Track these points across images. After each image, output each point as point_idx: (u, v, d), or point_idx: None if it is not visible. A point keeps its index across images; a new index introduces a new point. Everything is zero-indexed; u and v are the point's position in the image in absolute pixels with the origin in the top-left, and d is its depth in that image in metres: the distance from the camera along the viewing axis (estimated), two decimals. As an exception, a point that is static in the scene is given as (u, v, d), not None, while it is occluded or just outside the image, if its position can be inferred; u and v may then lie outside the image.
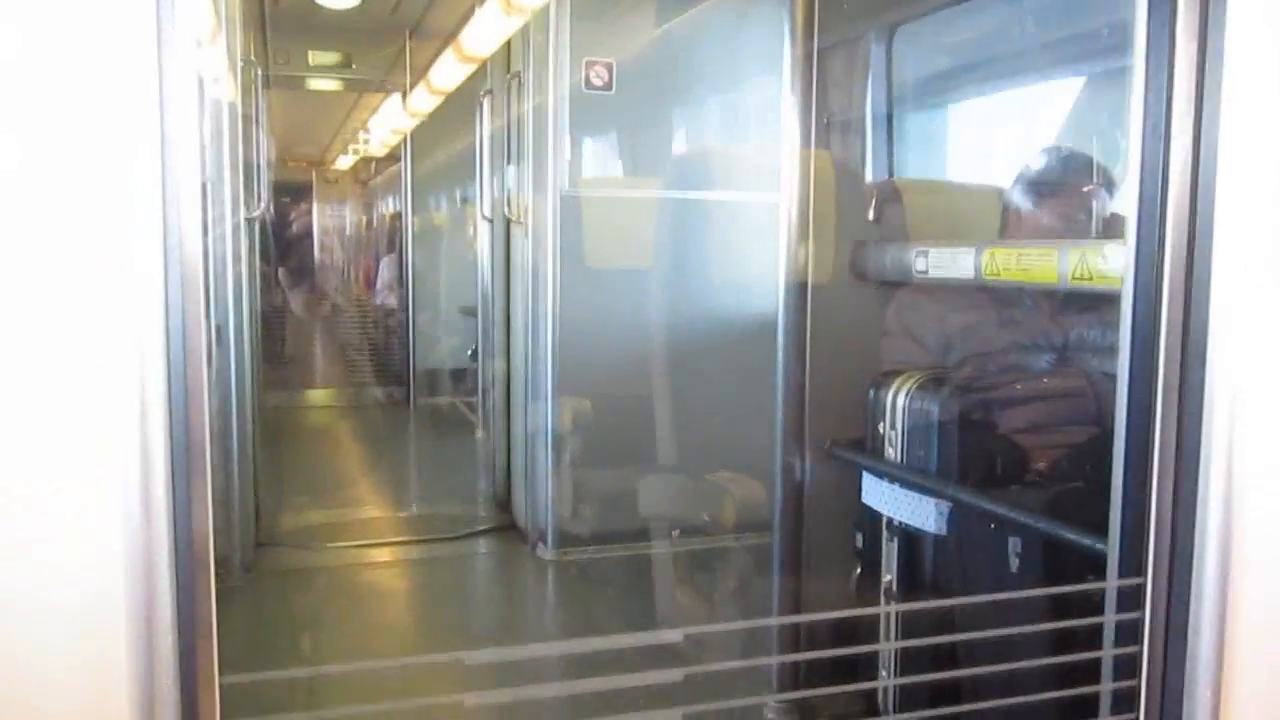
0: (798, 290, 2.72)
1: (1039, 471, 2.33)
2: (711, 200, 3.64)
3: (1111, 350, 2.58)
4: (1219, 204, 1.27)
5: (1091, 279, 2.18)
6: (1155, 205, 1.32)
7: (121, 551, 0.91)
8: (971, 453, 2.39)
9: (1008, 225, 2.76)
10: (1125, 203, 2.73)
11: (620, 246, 3.74)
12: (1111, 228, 2.61)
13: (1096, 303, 2.51)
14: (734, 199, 3.64)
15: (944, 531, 2.41)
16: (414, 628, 3.47)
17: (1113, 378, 2.51)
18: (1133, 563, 1.41)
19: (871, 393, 2.63)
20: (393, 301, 6.65)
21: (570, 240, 3.75)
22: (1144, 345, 1.35)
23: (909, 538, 2.53)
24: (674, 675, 1.14)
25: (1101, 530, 1.99)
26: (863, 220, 2.78)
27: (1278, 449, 1.30)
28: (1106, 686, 1.42)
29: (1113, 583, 1.39)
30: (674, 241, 3.58)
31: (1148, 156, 1.34)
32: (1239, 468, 1.28)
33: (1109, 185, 2.74)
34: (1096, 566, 2.09)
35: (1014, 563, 2.22)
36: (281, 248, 7.19)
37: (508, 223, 4.37)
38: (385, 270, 6.77)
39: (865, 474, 2.67)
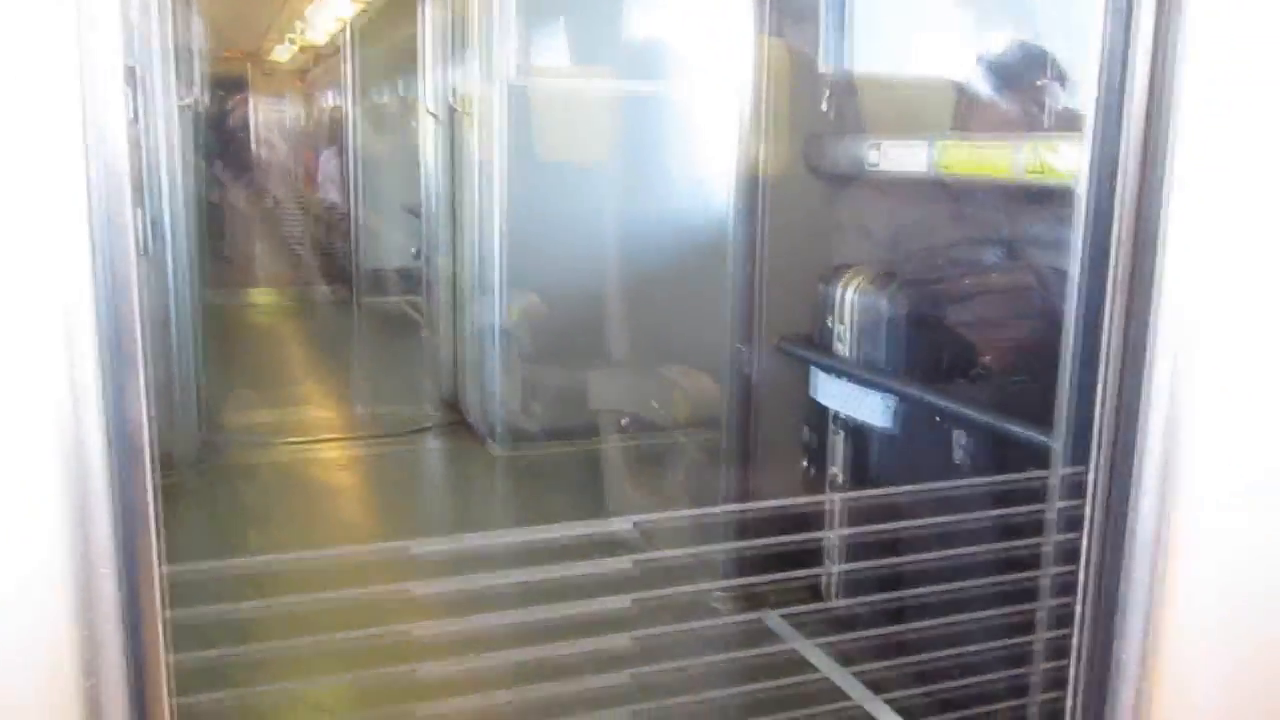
0: (750, 184, 2.69)
1: (985, 366, 2.35)
2: (665, 92, 3.56)
3: (1060, 246, 2.60)
4: (1178, 101, 1.25)
5: (1044, 173, 2.17)
6: (1116, 98, 1.30)
7: (54, 440, 0.88)
8: (919, 348, 2.40)
9: (960, 118, 2.73)
10: (1080, 97, 2.71)
11: (571, 140, 3.66)
12: (1065, 123, 2.59)
13: (1046, 198, 2.50)
14: (688, 91, 3.56)
15: (891, 426, 2.44)
16: (364, 523, 3.47)
17: (1061, 273, 2.54)
18: (1079, 454, 1.42)
19: (822, 288, 2.63)
20: (335, 197, 6.49)
21: (519, 133, 3.67)
22: (1098, 239, 1.35)
23: (856, 432, 2.55)
24: (623, 564, 1.14)
25: (1046, 425, 2.03)
26: (817, 112, 2.73)
27: (1224, 347, 1.31)
28: (1048, 571, 1.45)
29: (1058, 472, 1.40)
30: (627, 135, 3.52)
31: (1109, 48, 1.31)
32: (1184, 364, 1.29)
33: (1062, 79, 2.71)
34: (1039, 460, 2.13)
35: (958, 456, 2.26)
36: (219, 142, 6.97)
37: (453, 116, 4.26)
38: (326, 164, 6.59)
39: (814, 369, 2.68)
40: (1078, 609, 1.39)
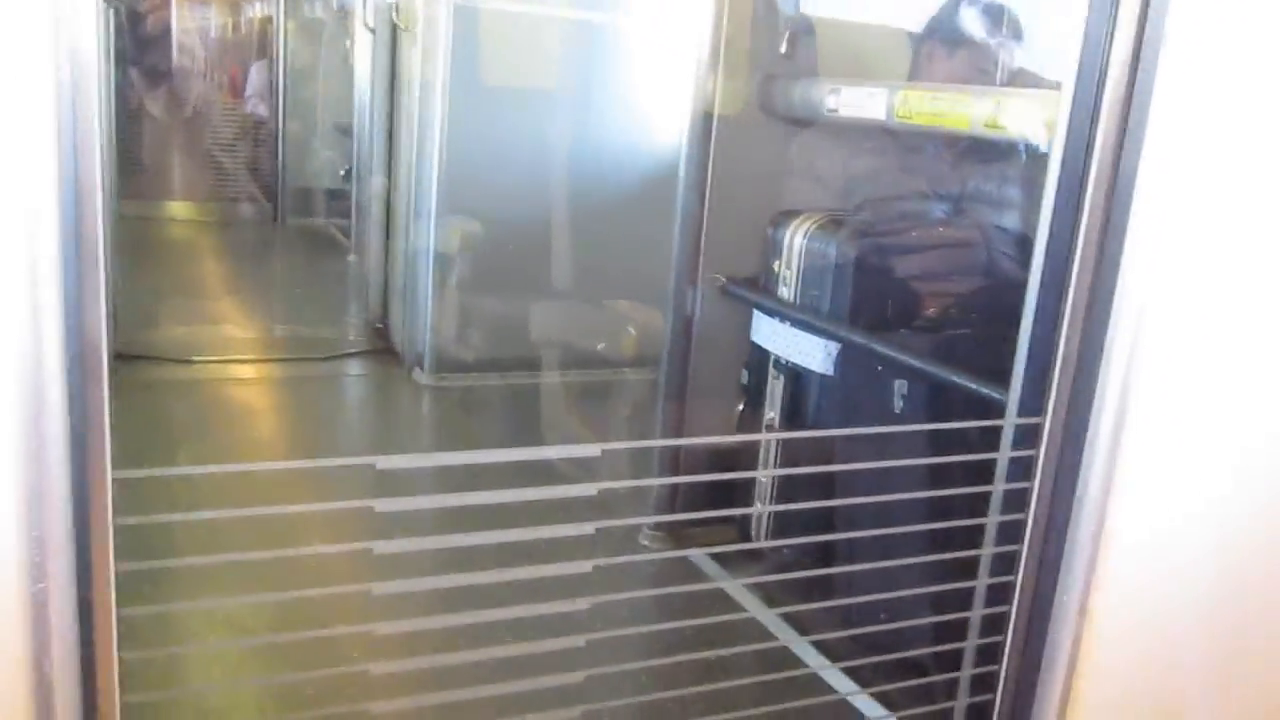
0: (703, 122, 2.66)
1: (928, 318, 2.37)
2: (619, 23, 3.48)
3: (1006, 204, 2.63)
4: (1162, 64, 1.26)
5: (1000, 129, 2.18)
6: (1097, 57, 1.30)
7: (13, 348, 0.82)
8: (864, 296, 2.41)
9: (916, 69, 2.73)
10: (1032, 57, 2.72)
11: (519, 64, 3.57)
12: (1018, 81, 2.61)
13: (997, 154, 2.52)
14: (643, 24, 3.49)
15: (830, 372, 2.45)
16: (277, 443, 3.39)
17: (1005, 231, 2.57)
18: (1031, 406, 1.44)
19: (770, 231, 2.62)
20: (262, 111, 6.25)
21: (464, 53, 3.56)
22: (1069, 194, 1.35)
23: (795, 376, 2.56)
24: (552, 492, 1.12)
25: (986, 378, 2.06)
26: (774, 53, 2.70)
27: (1186, 307, 1.33)
28: (993, 519, 1.47)
29: (1011, 420, 1.42)
30: (577, 64, 3.44)
31: (1095, 3, 1.30)
32: (1148, 323, 1.31)
33: (1018, 37, 2.72)
34: (979, 411, 2.17)
35: (898, 404, 2.28)
36: (137, 47, 6.64)
37: (393, 32, 4.11)
38: (255, 76, 6.34)
39: (757, 313, 2.67)
40: (1024, 551, 1.42)
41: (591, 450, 1.10)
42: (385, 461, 1.03)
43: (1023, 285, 2.46)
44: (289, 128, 5.99)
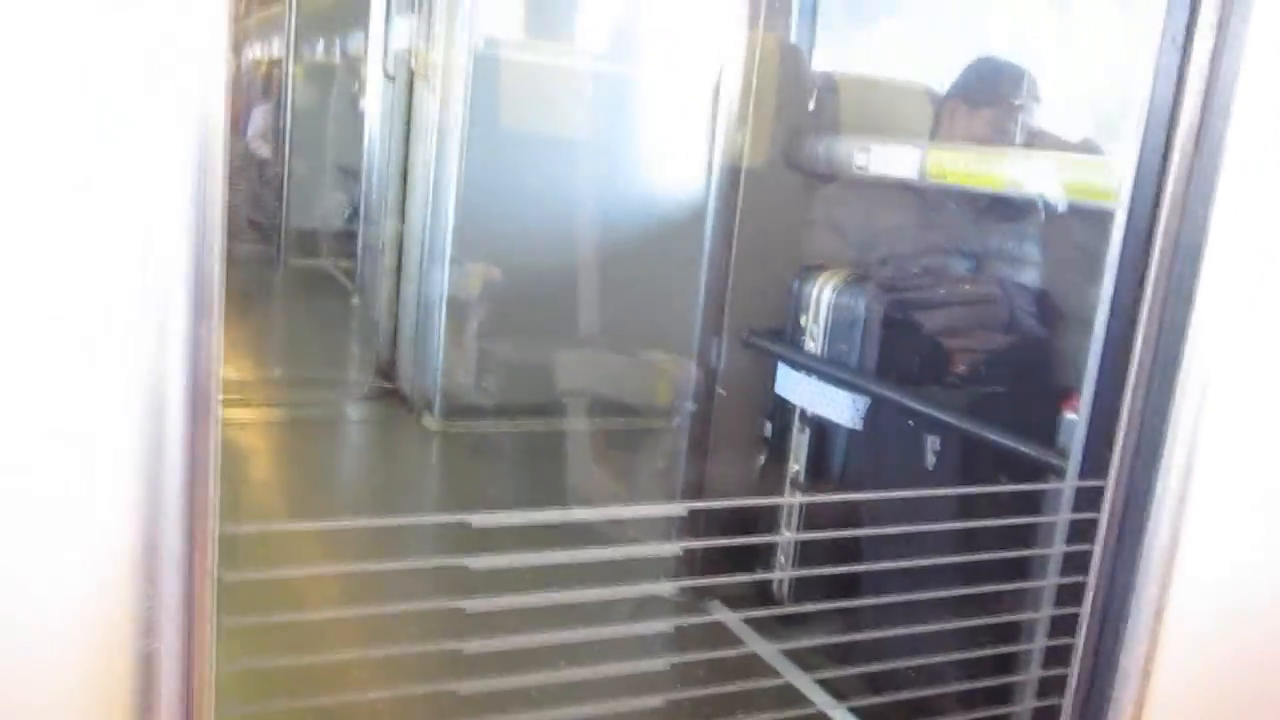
0: (730, 175, 2.68)
1: (958, 374, 2.39)
2: (641, 75, 3.52)
3: (1027, 262, 2.66)
4: (1232, 126, 1.28)
5: (1023, 188, 2.21)
6: (1165, 118, 1.32)
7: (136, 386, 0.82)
8: (894, 351, 2.43)
9: (938, 129, 2.77)
10: (1048, 118, 2.76)
11: (538, 113, 3.59)
12: (1038, 142, 2.65)
13: (1016, 214, 2.56)
14: (665, 76, 3.53)
15: (858, 426, 2.46)
16: (286, 491, 3.36)
17: (1025, 288, 2.59)
18: (1087, 468, 1.45)
19: (796, 285, 2.63)
20: (266, 153, 6.26)
21: (482, 101, 3.59)
22: (1134, 257, 1.37)
23: (821, 430, 2.57)
24: (674, 548, 1.12)
25: (1023, 434, 2.07)
26: (801, 109, 2.74)
27: (1254, 374, 1.34)
28: (1051, 581, 1.48)
29: (1072, 483, 1.43)
30: (596, 112, 3.47)
31: (1163, 67, 1.33)
32: (1213, 391, 1.32)
33: (1037, 99, 2.77)
34: (1010, 467, 2.18)
35: (930, 460, 2.29)
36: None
37: (409, 77, 4.14)
38: (259, 118, 6.36)
39: (781, 365, 2.68)
40: (1085, 613, 1.42)
41: (678, 509, 1.10)
42: (480, 519, 1.02)
43: (1044, 343, 2.49)
44: (293, 169, 6.00)
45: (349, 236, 5.66)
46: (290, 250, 6.12)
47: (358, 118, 5.21)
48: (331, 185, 6.00)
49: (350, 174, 5.55)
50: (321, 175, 6.07)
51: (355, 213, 5.48)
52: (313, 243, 6.19)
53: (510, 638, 1.18)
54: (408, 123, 4.17)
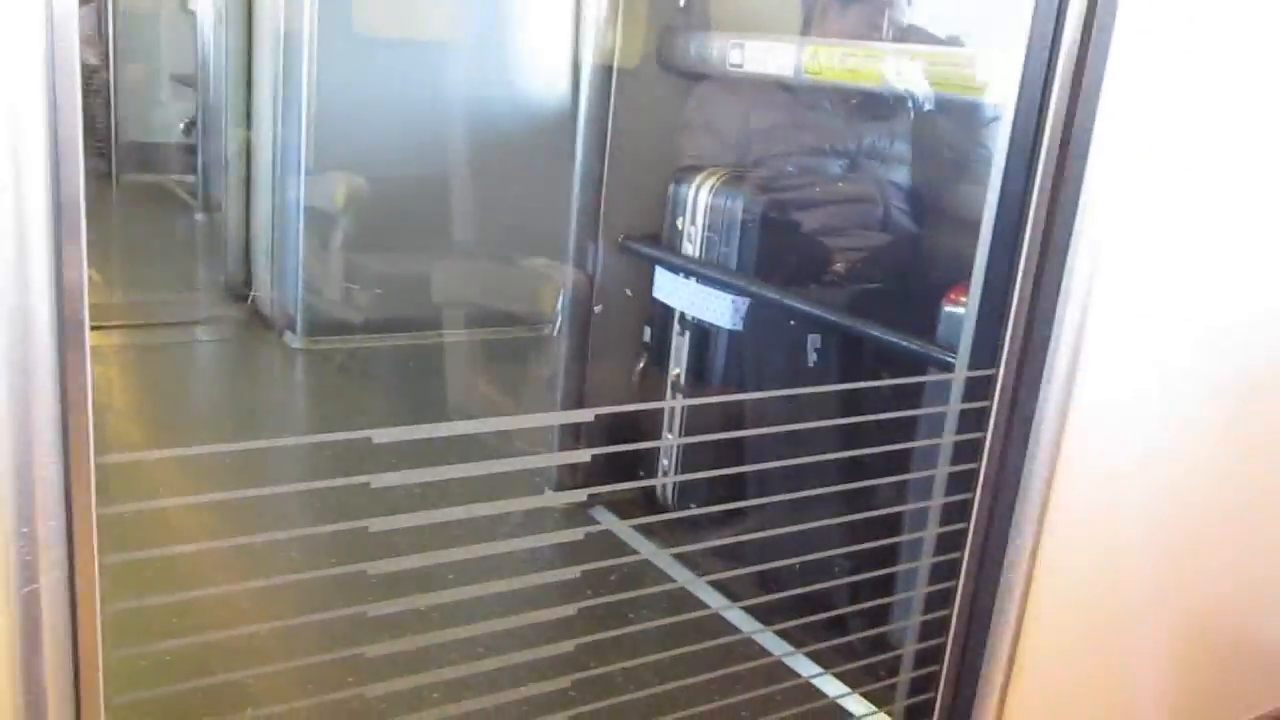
0: (602, 75, 2.61)
1: (837, 272, 2.41)
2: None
3: (899, 160, 2.68)
4: (1120, 12, 1.28)
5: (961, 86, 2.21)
6: (1052, 12, 1.32)
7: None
8: (772, 251, 2.42)
9: (809, 26, 2.74)
10: (920, 14, 2.76)
11: (395, 14, 3.41)
12: (910, 37, 2.65)
13: (890, 111, 2.57)
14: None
15: (739, 328, 2.46)
16: (151, 415, 3.19)
17: (898, 186, 2.62)
18: (983, 358, 1.47)
19: (672, 188, 2.60)
20: (91, 58, 5.79)
21: (333, 2, 3.38)
22: (1021, 149, 1.37)
23: (701, 333, 2.56)
24: (550, 459, 1.09)
25: (901, 330, 2.10)
26: (672, 6, 2.66)
27: (1142, 256, 1.38)
28: (943, 470, 1.51)
29: (962, 373, 1.45)
30: (461, 14, 3.31)
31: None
32: (1102, 273, 1.36)
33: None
34: (890, 362, 2.22)
35: (812, 358, 2.31)
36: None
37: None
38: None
39: (659, 269, 2.66)
40: (977, 497, 1.46)
41: (585, 416, 1.06)
42: (381, 434, 0.96)
43: (919, 239, 2.53)
44: (122, 77, 5.57)
45: (188, 150, 5.34)
46: (124, 165, 5.73)
47: (189, 19, 4.88)
48: (167, 95, 5.62)
49: (186, 82, 5.20)
50: (156, 84, 5.68)
51: (194, 124, 5.15)
52: (149, 156, 5.80)
53: (407, 559, 1.14)
54: (248, 27, 3.91)
